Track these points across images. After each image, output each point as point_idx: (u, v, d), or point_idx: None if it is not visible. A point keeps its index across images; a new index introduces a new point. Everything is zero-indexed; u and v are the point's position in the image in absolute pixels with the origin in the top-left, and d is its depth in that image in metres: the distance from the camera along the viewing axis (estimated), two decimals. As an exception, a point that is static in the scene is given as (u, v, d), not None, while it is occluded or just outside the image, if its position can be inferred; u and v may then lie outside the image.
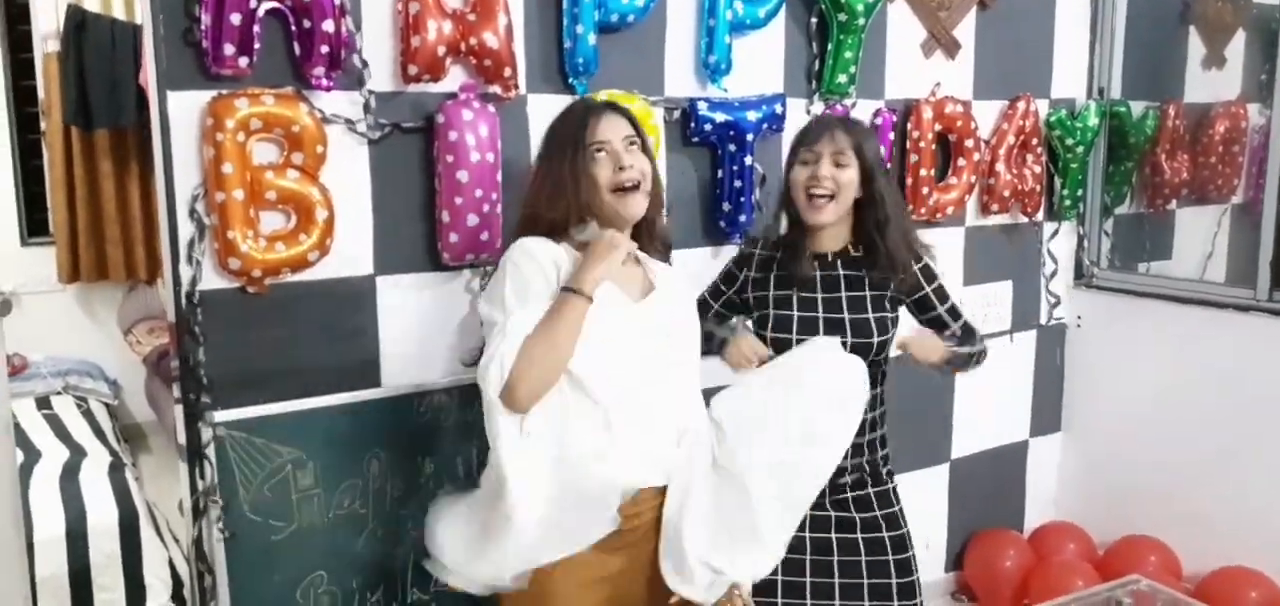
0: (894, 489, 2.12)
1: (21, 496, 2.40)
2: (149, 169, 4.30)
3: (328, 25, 1.92)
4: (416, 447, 2.17)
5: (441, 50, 2.04)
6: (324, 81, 1.98)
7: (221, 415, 1.96)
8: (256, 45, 1.90)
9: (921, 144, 2.83)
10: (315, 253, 2.02)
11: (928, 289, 2.07)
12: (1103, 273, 3.35)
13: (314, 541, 2.07)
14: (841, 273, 2.02)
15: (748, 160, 2.47)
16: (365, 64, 2.04)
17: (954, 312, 2.12)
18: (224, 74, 1.89)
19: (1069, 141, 3.15)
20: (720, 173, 2.50)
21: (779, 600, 2.03)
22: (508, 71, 2.13)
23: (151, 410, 4.54)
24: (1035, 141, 3.11)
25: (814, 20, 2.62)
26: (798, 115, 2.61)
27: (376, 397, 2.13)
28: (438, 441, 2.19)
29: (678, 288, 1.82)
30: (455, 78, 2.12)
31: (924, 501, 3.13)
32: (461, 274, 2.22)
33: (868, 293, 2.01)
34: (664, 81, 2.42)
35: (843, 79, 2.64)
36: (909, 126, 2.83)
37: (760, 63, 2.56)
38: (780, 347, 2.00)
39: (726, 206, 2.50)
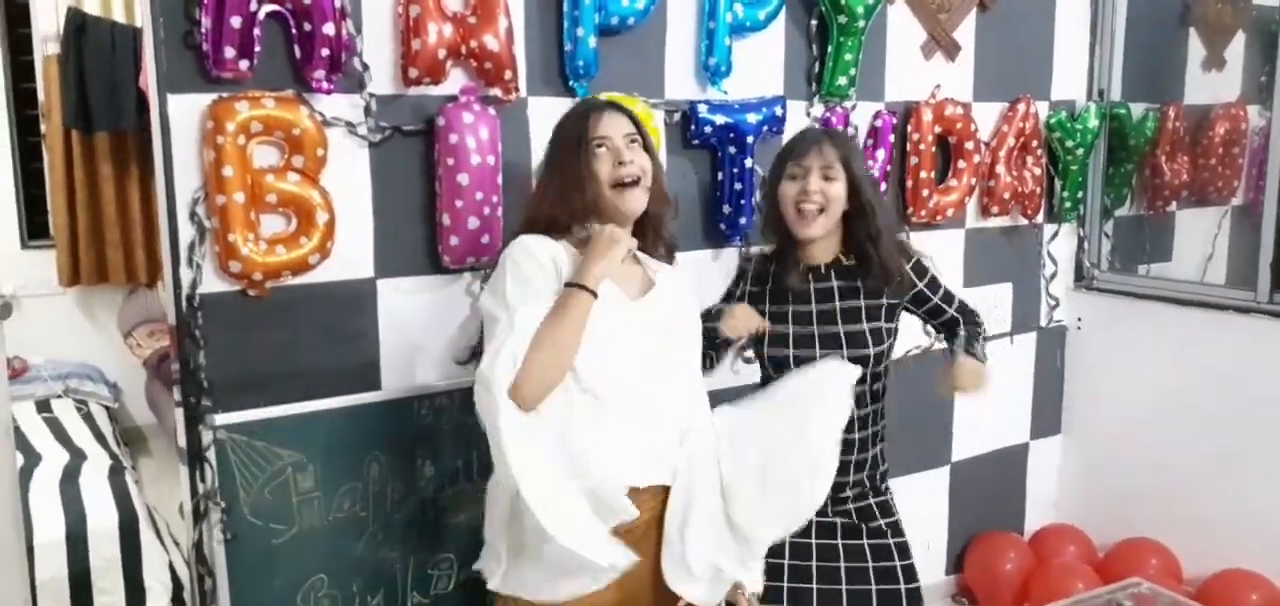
0: (892, 498, 2.12)
1: (21, 499, 2.41)
2: (149, 172, 4.30)
3: (328, 28, 1.92)
4: (417, 451, 2.17)
5: (442, 53, 2.04)
6: (324, 85, 1.98)
7: (222, 418, 1.96)
8: (257, 48, 1.90)
9: (921, 146, 2.83)
10: (316, 256, 2.02)
11: (921, 284, 2.07)
12: (1103, 275, 3.35)
13: (314, 544, 2.07)
14: (835, 284, 2.01)
15: (748, 162, 2.47)
16: (366, 67, 2.04)
17: (948, 297, 2.12)
18: (224, 77, 1.89)
19: (1069, 143, 3.15)
20: (720, 175, 2.50)
21: None
22: (508, 74, 2.13)
23: (152, 413, 4.55)
24: (1035, 143, 3.11)
25: (814, 22, 2.62)
26: (798, 117, 2.61)
27: (377, 401, 2.13)
28: (438, 444, 2.19)
29: (678, 287, 1.82)
30: (456, 81, 2.12)
31: (924, 504, 3.13)
32: (462, 277, 2.22)
33: (863, 303, 2.00)
34: (664, 84, 2.42)
35: (843, 81, 2.64)
36: (909, 128, 2.83)
37: (760, 65, 2.56)
38: (778, 363, 2.00)
39: (727, 209, 2.50)
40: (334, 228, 2.03)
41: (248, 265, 1.94)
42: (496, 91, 2.15)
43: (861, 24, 2.59)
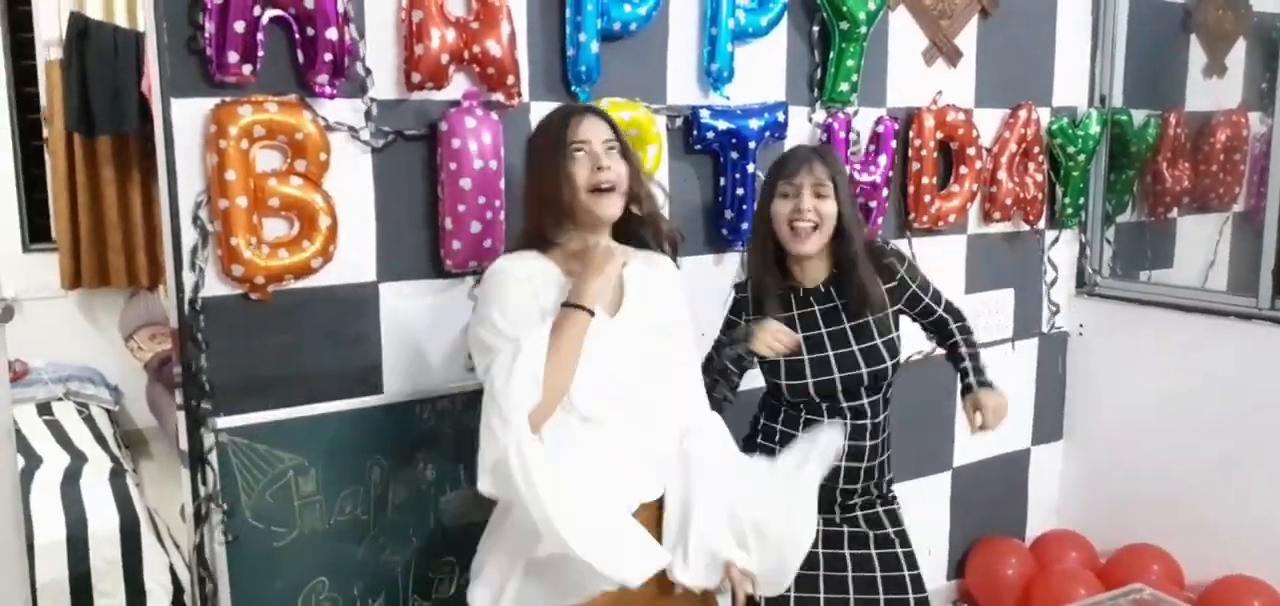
0: (898, 506, 2.12)
1: (22, 502, 2.41)
2: (151, 175, 4.32)
3: (331, 33, 1.92)
4: (418, 454, 2.17)
5: (445, 58, 2.04)
6: (327, 89, 1.98)
7: (224, 421, 1.96)
8: (260, 53, 1.90)
9: (923, 152, 2.83)
10: (318, 259, 2.02)
11: (913, 285, 2.08)
12: (1104, 281, 3.35)
13: (315, 547, 2.07)
14: (840, 302, 2.02)
15: (750, 168, 2.47)
16: (368, 72, 2.04)
17: (937, 297, 2.13)
18: (228, 81, 1.89)
19: (1070, 149, 3.15)
20: (722, 180, 2.50)
21: None
22: (511, 79, 2.13)
23: (153, 416, 4.55)
24: (1037, 149, 3.11)
25: (816, 28, 2.62)
26: (800, 123, 2.61)
27: (378, 404, 2.13)
28: (439, 448, 2.19)
29: (654, 296, 1.76)
30: (458, 85, 2.12)
31: (926, 509, 3.12)
32: (464, 281, 2.22)
33: (871, 318, 2.01)
34: (666, 89, 2.42)
35: (845, 87, 2.64)
36: (911, 134, 2.84)
37: (762, 71, 2.57)
38: (796, 392, 2.00)
39: (728, 214, 2.50)
40: (336, 232, 2.03)
41: (250, 269, 1.94)
42: (499, 96, 2.15)
43: (863, 30, 2.59)
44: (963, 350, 2.12)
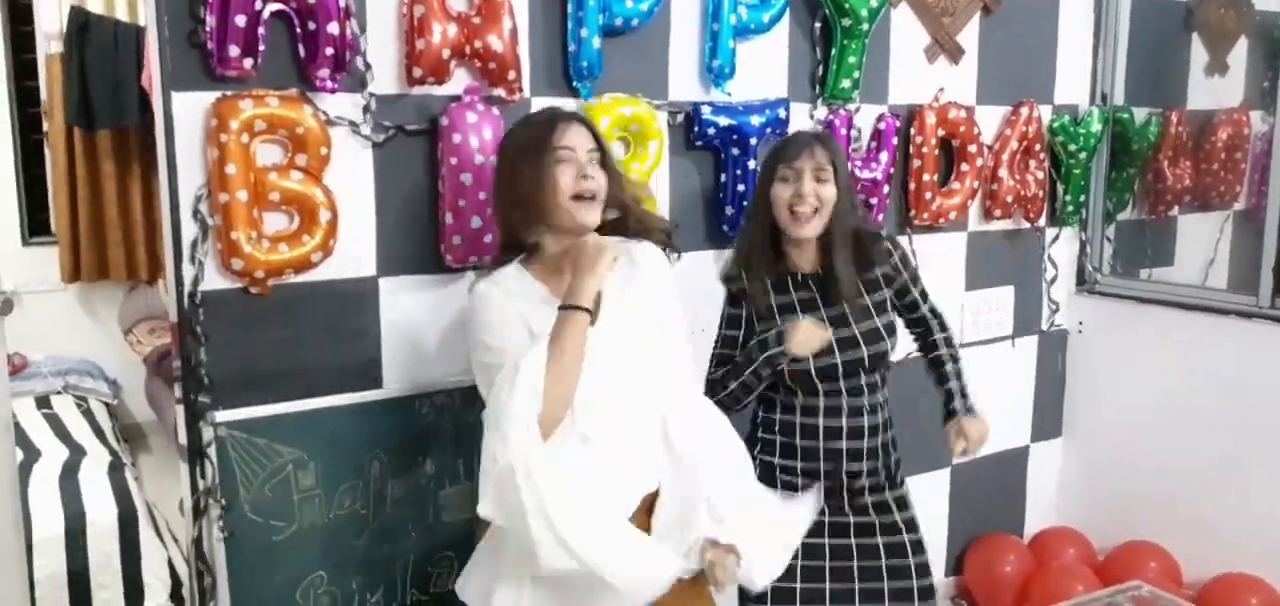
0: (908, 492, 2.12)
1: (21, 495, 2.41)
2: (151, 169, 4.31)
3: (332, 28, 1.92)
4: (418, 449, 2.17)
5: (446, 53, 2.04)
6: (328, 84, 1.98)
7: (223, 415, 1.96)
8: (261, 47, 1.90)
9: (924, 149, 2.83)
10: (318, 254, 2.02)
11: (903, 276, 2.09)
12: (1105, 279, 3.35)
13: (314, 542, 2.07)
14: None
15: (751, 164, 2.47)
16: (369, 66, 2.04)
17: (924, 293, 2.15)
18: (228, 75, 1.89)
19: (1072, 147, 3.15)
20: (723, 176, 2.50)
21: None
22: (512, 75, 2.13)
23: (151, 410, 4.55)
24: (1038, 147, 3.10)
25: (818, 25, 2.62)
26: (801, 120, 2.61)
27: (378, 399, 2.13)
28: (439, 443, 2.19)
29: (643, 289, 1.75)
30: (459, 80, 2.12)
31: (925, 506, 3.09)
32: (464, 276, 2.21)
33: (869, 299, 2.02)
34: (668, 85, 2.42)
35: (846, 84, 2.64)
36: (912, 131, 2.83)
37: (764, 67, 2.56)
38: (801, 379, 2.00)
39: (729, 210, 2.50)
40: (336, 226, 2.03)
41: (250, 263, 1.94)
42: (500, 92, 2.14)
43: (865, 27, 2.59)
44: (948, 370, 2.15)
